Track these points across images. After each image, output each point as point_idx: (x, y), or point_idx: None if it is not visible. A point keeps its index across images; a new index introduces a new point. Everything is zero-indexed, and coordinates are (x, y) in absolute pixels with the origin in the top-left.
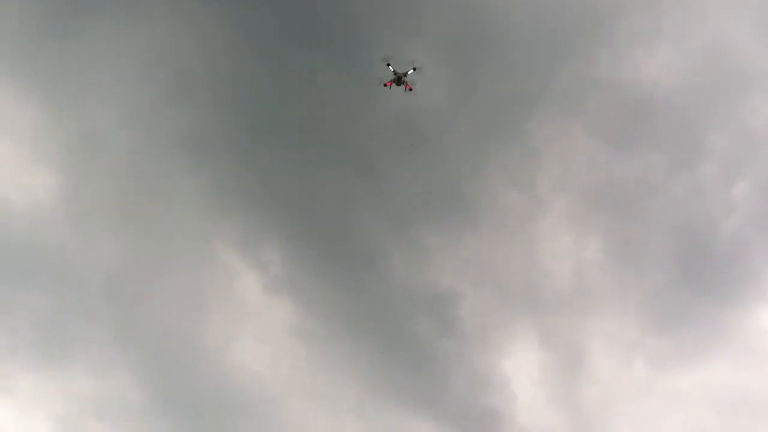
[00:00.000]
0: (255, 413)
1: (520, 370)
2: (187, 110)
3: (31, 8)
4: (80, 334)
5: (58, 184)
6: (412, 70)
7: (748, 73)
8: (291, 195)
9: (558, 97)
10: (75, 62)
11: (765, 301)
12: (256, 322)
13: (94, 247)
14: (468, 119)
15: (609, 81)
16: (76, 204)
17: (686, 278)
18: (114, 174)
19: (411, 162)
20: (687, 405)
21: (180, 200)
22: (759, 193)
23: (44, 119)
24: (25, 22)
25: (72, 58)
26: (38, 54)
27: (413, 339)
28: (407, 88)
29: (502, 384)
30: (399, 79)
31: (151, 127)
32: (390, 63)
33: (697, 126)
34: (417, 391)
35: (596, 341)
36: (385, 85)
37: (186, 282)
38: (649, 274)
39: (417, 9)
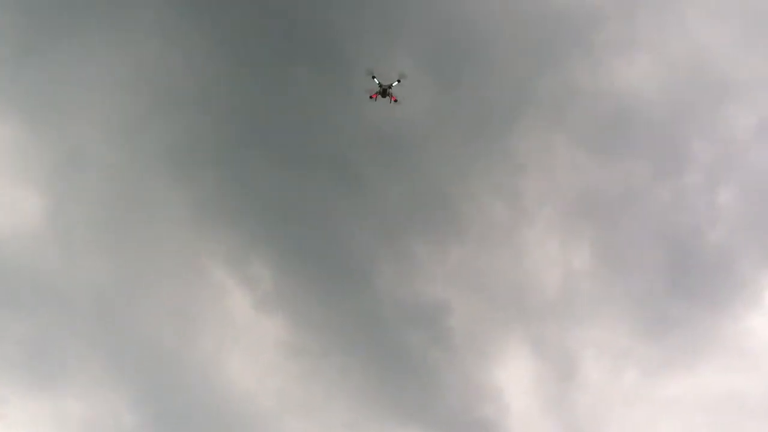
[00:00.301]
0: (247, 430)
1: (513, 379)
2: (173, 127)
3: (12, 26)
4: (69, 355)
5: (42, 203)
6: (396, 82)
7: (727, 82)
8: (279, 209)
9: (540, 108)
10: (58, 80)
11: (752, 305)
12: (246, 338)
13: (80, 267)
14: (452, 131)
15: (590, 91)
16: (62, 223)
17: (674, 285)
18: (99, 192)
19: (398, 174)
20: (678, 411)
21: (167, 217)
22: (742, 200)
23: (27, 138)
24: (7, 40)
25: (55, 75)
26: (20, 72)
27: (405, 351)
28: (392, 99)
29: (494, 394)
30: (384, 91)
31: (136, 144)
32: (375, 75)
33: (679, 134)
34: (409, 403)
35: (587, 349)
36: (370, 97)
37: (175, 300)
38: (637, 281)
39: (400, 23)
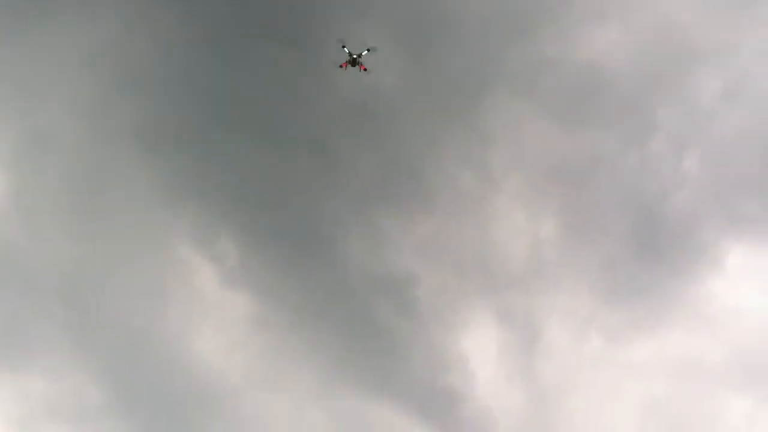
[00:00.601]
0: (216, 406)
1: (478, 348)
2: (137, 104)
3: None
4: (34, 334)
5: (5, 181)
6: (366, 51)
7: (693, 50)
8: (245, 185)
9: (508, 78)
10: (21, 58)
11: (714, 270)
12: (214, 314)
13: (45, 246)
14: (421, 102)
15: (558, 60)
16: (26, 202)
17: (639, 251)
18: (64, 170)
19: (366, 146)
20: (641, 374)
21: (133, 196)
22: (707, 166)
23: None
24: None
25: (18, 54)
26: None
27: (372, 322)
28: (362, 68)
29: (460, 362)
30: (354, 60)
31: (101, 122)
32: (345, 45)
33: (645, 102)
34: (378, 374)
35: (552, 316)
36: (340, 66)
37: (141, 278)
38: (603, 248)
39: None
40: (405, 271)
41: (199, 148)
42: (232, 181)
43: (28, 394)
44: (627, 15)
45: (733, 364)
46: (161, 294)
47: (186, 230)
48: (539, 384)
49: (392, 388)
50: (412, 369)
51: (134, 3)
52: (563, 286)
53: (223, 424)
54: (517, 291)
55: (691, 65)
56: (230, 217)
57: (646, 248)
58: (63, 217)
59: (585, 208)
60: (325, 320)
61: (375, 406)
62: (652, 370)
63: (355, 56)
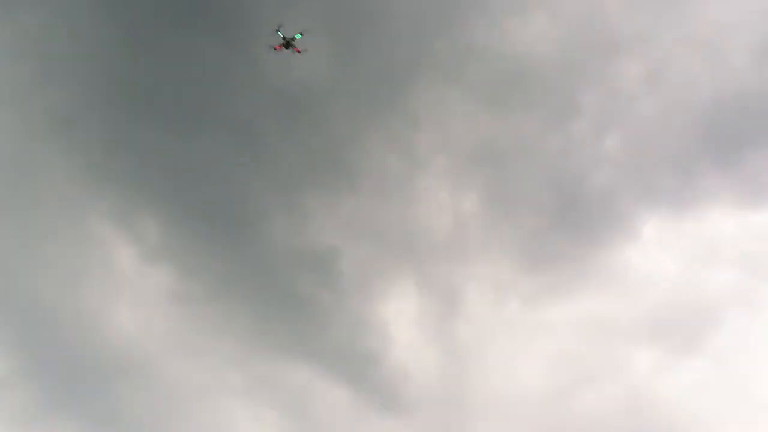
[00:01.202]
0: (135, 375)
1: (399, 314)
2: (57, 92)
3: None
4: None
5: None
6: (299, 35)
7: (615, 39)
8: (169, 166)
9: (437, 66)
10: None
11: (631, 239)
12: (133, 290)
13: None
14: (349, 88)
15: (485, 49)
16: None
17: (559, 224)
18: None
19: (293, 129)
20: (554, 332)
21: (53, 179)
22: (628, 145)
23: None
24: None
25: None
26: None
27: (294, 294)
28: (296, 51)
29: (381, 328)
30: (288, 44)
31: (20, 110)
32: (279, 29)
33: (569, 88)
34: (298, 340)
35: (471, 284)
36: (274, 48)
37: (59, 257)
38: (524, 222)
39: None
40: (328, 247)
41: (120, 132)
42: (155, 162)
43: None
44: (553, 5)
45: (642, 322)
46: (78, 271)
47: (108, 210)
48: (455, 345)
49: (312, 353)
50: (332, 335)
51: None
52: (484, 257)
53: (142, 393)
54: (439, 263)
55: (614, 53)
56: (153, 197)
57: (566, 221)
58: None
59: (508, 186)
60: (247, 293)
61: (293, 370)
62: (565, 328)
63: (288, 39)
